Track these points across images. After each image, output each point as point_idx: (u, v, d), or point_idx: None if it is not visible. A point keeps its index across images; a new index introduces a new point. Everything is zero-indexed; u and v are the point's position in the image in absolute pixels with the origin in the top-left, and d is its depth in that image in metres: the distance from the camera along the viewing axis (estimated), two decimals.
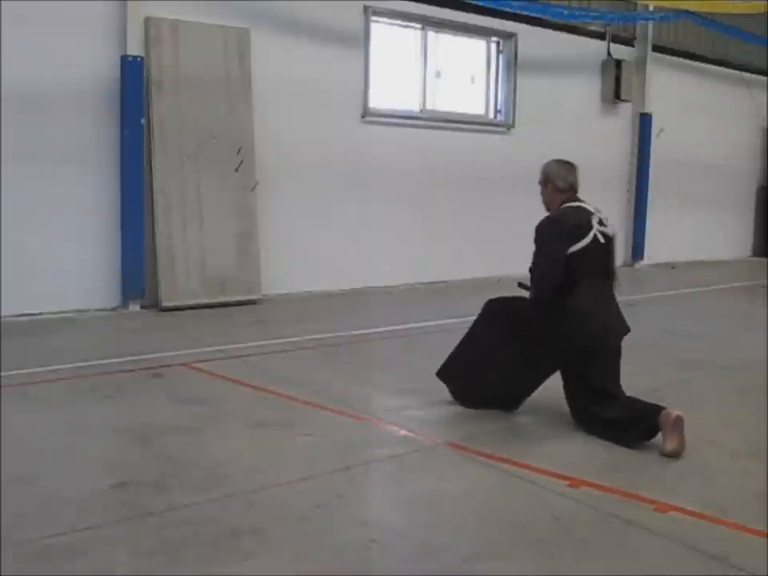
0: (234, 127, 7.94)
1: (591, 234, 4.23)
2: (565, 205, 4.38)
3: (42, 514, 3.10)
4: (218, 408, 4.58)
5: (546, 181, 4.48)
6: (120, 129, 7.38)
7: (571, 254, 4.19)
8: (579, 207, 4.36)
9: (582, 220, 4.28)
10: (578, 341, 4.17)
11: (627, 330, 4.37)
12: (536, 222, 4.33)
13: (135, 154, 7.44)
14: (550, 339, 4.23)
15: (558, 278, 4.18)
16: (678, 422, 3.88)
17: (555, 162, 4.52)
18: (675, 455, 3.88)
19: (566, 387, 4.32)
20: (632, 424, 4.02)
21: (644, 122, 12.09)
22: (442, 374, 4.66)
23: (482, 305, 4.60)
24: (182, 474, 3.56)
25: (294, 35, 8.44)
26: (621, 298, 4.50)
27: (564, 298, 4.18)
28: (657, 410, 3.98)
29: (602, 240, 4.26)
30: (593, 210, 4.35)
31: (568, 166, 4.49)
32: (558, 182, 4.42)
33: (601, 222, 4.31)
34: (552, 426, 4.33)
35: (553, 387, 4.42)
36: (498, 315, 4.48)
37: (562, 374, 4.33)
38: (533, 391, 4.47)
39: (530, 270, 4.38)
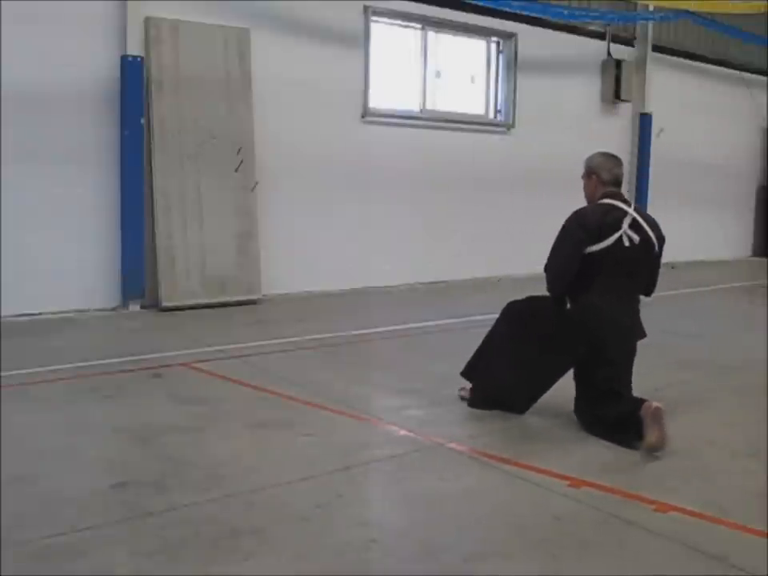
0: (234, 127, 7.94)
1: (616, 236, 4.10)
2: (601, 201, 4.26)
3: (42, 514, 3.10)
4: (218, 408, 4.58)
5: (590, 172, 4.36)
6: (120, 129, 7.38)
7: (591, 253, 4.11)
8: (613, 205, 4.22)
9: (611, 219, 4.15)
10: (587, 328, 4.13)
11: (642, 334, 4.30)
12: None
13: (135, 154, 7.44)
14: (561, 331, 4.20)
15: (571, 275, 4.14)
16: (657, 413, 3.81)
17: (601, 154, 4.43)
18: (656, 448, 3.81)
19: (577, 387, 4.30)
20: (630, 423, 3.97)
21: (644, 122, 12.09)
22: (466, 374, 4.63)
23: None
24: (182, 473, 3.55)
25: (294, 35, 8.44)
26: None
27: (579, 293, 4.17)
28: (639, 403, 3.93)
29: (627, 243, 4.12)
30: (629, 211, 4.19)
31: (614, 159, 4.41)
32: (603, 173, 4.32)
33: (635, 224, 4.18)
34: (552, 427, 4.33)
35: (553, 388, 4.41)
36: (517, 315, 4.44)
37: (574, 372, 4.30)
38: (547, 390, 4.42)
39: (545, 267, 4.29)
